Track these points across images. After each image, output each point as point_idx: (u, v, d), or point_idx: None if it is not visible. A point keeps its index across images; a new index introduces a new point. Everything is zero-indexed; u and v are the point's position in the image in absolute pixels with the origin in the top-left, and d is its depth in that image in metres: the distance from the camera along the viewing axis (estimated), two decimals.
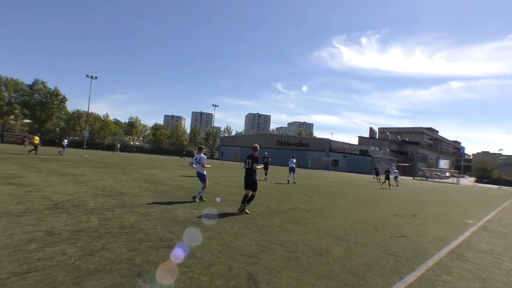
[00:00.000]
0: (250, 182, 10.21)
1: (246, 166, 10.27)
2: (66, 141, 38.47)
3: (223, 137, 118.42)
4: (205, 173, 11.73)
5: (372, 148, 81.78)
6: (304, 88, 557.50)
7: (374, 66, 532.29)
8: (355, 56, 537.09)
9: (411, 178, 67.81)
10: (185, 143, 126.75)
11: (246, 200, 10.19)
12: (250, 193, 10.27)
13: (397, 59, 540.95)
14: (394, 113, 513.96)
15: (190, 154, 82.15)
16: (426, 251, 7.87)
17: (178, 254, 6.20)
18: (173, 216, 8.92)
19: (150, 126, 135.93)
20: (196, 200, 11.54)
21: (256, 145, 10.45)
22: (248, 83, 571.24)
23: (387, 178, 32.92)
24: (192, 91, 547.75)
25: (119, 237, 6.87)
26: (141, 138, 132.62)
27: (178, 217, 8.86)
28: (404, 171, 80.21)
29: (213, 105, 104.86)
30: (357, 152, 79.65)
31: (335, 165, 75.83)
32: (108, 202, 10.15)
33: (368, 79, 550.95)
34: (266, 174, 25.80)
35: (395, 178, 35.81)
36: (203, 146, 12.44)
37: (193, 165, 11.86)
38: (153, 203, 10.55)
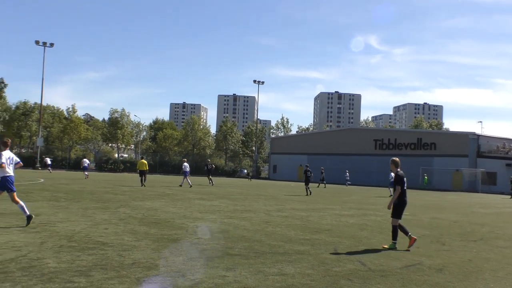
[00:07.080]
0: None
1: (406, 187, 8.79)
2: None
3: (276, 138, 74.82)
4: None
5: None
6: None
7: None
8: None
9: None
10: (208, 151, 79.83)
11: (403, 230, 8.64)
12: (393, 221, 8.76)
13: None
14: None
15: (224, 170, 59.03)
16: None
17: None
18: (192, 285, 5.25)
19: (146, 124, 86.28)
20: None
21: (397, 158, 8.87)
22: (315, 39, 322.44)
23: None
24: (216, 60, 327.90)
25: None
26: (132, 147, 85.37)
27: (200, 287, 5.21)
28: None
29: (255, 81, 64.47)
30: None
31: (489, 182, 44.65)
32: (80, 260, 6.45)
33: None
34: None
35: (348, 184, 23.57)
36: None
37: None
38: (157, 260, 6.68)
